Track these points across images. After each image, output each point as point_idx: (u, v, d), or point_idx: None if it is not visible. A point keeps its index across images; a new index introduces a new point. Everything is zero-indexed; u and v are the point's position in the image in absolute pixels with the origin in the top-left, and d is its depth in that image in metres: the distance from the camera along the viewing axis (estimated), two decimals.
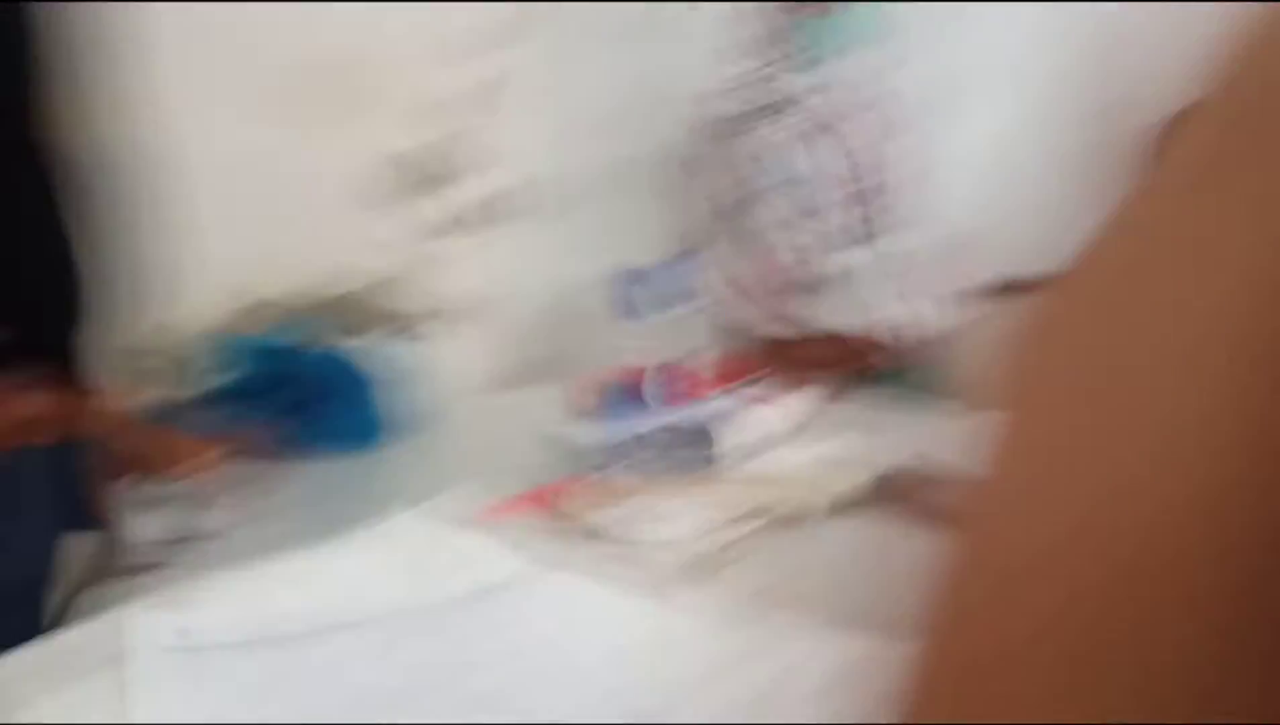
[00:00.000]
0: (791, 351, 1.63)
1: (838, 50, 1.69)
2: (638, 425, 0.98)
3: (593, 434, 0.95)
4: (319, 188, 2.31)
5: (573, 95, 2.49)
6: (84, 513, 0.85)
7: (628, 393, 1.12)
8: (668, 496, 0.77)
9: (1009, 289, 1.72)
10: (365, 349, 1.25)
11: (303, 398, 1.23)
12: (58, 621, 0.74)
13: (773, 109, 1.60)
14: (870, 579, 0.69)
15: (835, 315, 1.60)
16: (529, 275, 2.50)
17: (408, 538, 0.73)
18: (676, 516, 0.73)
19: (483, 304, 2.46)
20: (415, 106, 2.33)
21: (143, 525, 0.87)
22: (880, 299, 1.63)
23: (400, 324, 2.39)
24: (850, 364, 1.65)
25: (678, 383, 1.37)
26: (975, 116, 2.81)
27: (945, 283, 1.67)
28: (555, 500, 0.80)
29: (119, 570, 0.82)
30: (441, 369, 2.46)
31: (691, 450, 0.84)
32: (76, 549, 0.86)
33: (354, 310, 2.36)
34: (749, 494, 0.79)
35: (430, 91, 2.34)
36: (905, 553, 0.71)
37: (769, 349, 1.63)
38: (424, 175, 2.36)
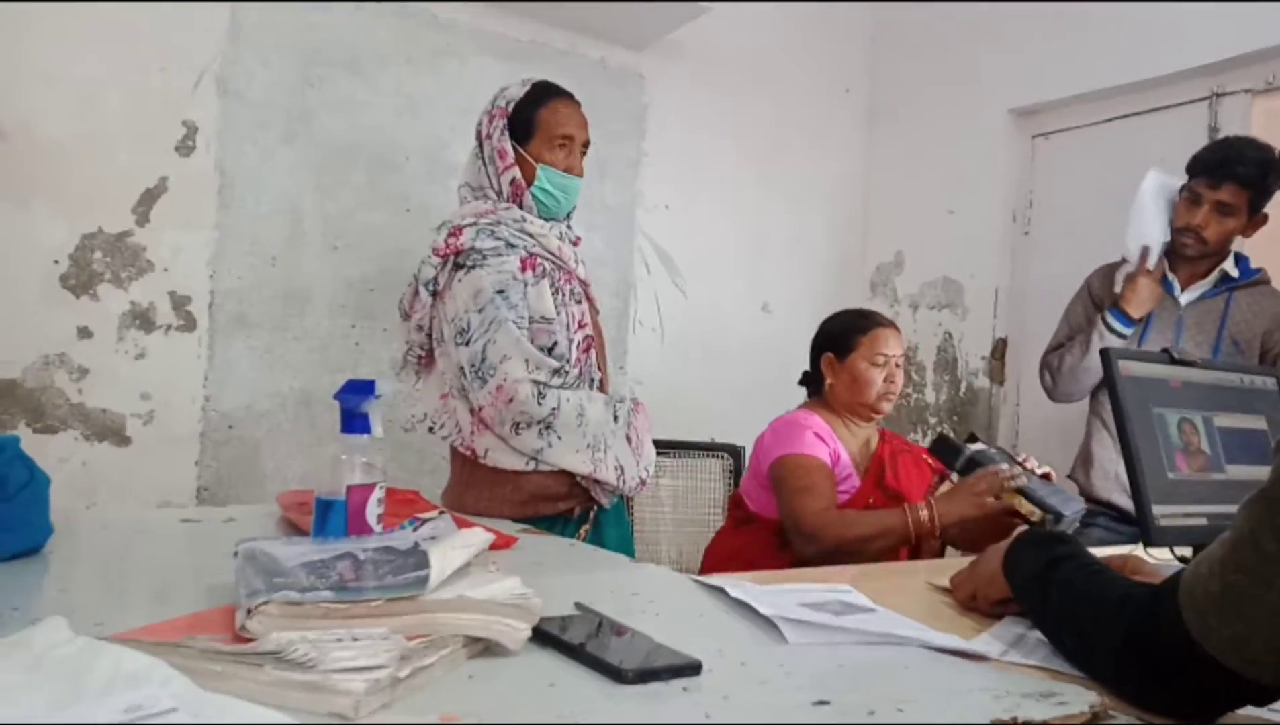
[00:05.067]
0: (524, 482, 1.64)
1: (570, 210, 1.80)
2: (349, 545, 0.94)
3: (297, 553, 0.90)
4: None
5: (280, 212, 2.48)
6: None
7: (340, 510, 1.08)
8: (365, 620, 0.74)
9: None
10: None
11: None
12: None
13: (513, 248, 1.66)
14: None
15: (565, 453, 1.64)
16: (223, 386, 2.40)
17: (54, 651, 0.65)
18: (371, 641, 0.70)
19: (171, 410, 2.32)
20: (98, 199, 2.23)
21: None
22: (610, 442, 1.69)
23: (59, 419, 2.18)
24: (577, 499, 1.69)
25: (395, 504, 1.33)
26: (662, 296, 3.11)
27: (649, 437, 1.78)
28: (236, 621, 0.74)
29: None
30: (129, 476, 2.27)
31: (406, 573, 0.82)
32: None
33: (16, 401, 2.14)
34: (448, 620, 0.78)
35: (112, 187, 2.25)
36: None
37: (505, 477, 1.64)
38: (100, 271, 2.22)
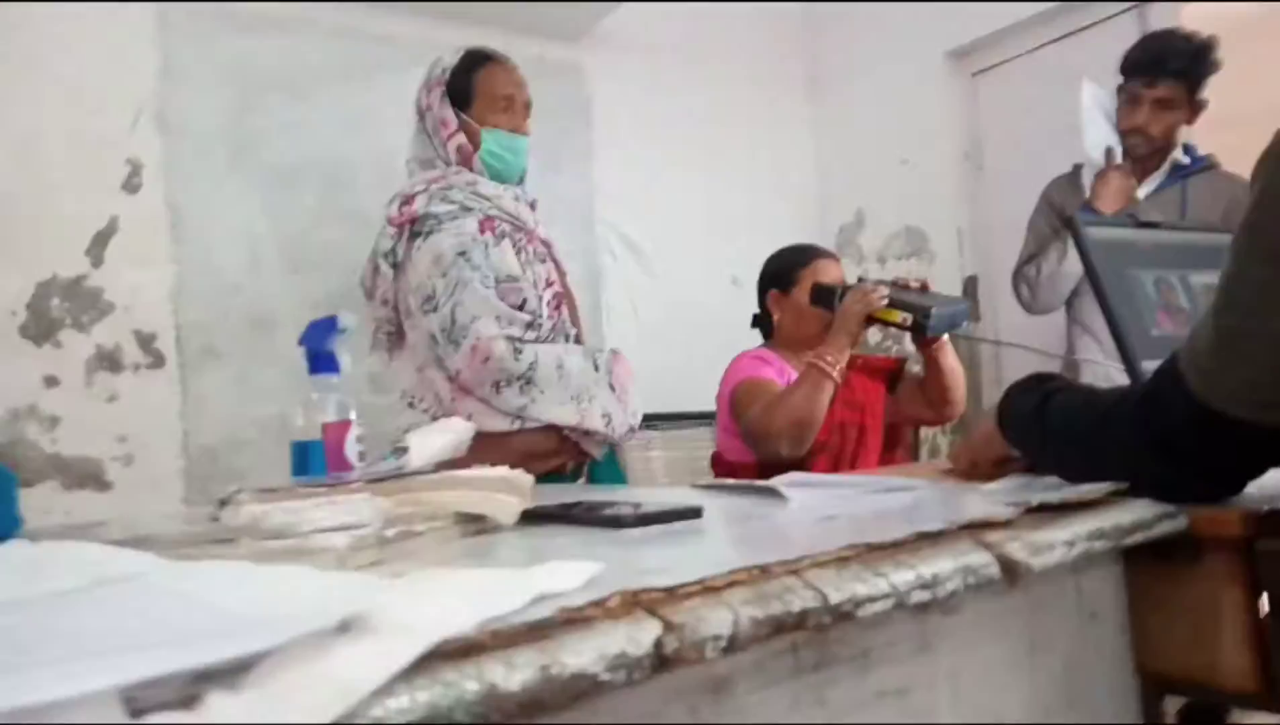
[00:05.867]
0: (512, 442, 1.61)
1: (521, 172, 1.77)
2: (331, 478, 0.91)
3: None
4: None
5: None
6: None
7: (318, 451, 1.05)
8: (344, 496, 0.71)
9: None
10: None
11: None
12: None
13: (469, 211, 1.64)
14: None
15: (549, 407, 1.61)
16: (199, 419, 2.35)
17: (16, 553, 0.62)
18: (352, 503, 0.67)
19: (150, 450, 2.28)
20: (49, 245, 2.20)
21: None
22: (593, 390, 1.66)
23: (34, 471, 2.14)
24: (568, 453, 1.66)
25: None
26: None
27: (632, 385, 1.75)
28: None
29: None
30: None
31: (386, 462, 0.79)
32: None
33: None
34: (435, 497, 0.75)
35: (62, 232, 2.22)
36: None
37: (492, 440, 1.60)
38: (59, 318, 2.19)
